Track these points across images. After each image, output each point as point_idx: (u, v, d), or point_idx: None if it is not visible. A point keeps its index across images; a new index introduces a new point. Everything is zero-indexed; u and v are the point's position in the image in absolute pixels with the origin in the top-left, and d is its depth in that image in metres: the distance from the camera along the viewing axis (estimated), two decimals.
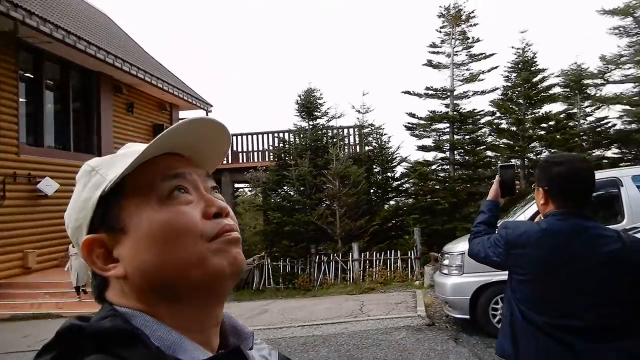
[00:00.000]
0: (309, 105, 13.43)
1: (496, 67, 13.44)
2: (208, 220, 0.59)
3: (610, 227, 1.82)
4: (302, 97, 13.52)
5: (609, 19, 14.16)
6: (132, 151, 0.62)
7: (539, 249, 1.75)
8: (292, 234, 12.01)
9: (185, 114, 14.71)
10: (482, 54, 13.43)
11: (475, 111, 13.21)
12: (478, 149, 13.16)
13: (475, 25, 13.64)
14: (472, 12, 13.57)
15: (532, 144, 12.84)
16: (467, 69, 13.68)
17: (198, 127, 0.63)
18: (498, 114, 13.26)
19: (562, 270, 1.69)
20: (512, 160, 12.60)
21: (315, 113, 13.62)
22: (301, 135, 13.62)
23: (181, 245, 0.57)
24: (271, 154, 14.86)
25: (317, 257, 11.26)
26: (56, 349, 0.51)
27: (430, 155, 13.50)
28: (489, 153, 13.41)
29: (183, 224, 0.57)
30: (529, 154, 12.83)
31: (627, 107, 13.20)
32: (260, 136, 15.99)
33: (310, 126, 13.67)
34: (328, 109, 13.76)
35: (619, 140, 13.17)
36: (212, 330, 0.61)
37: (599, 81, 14.23)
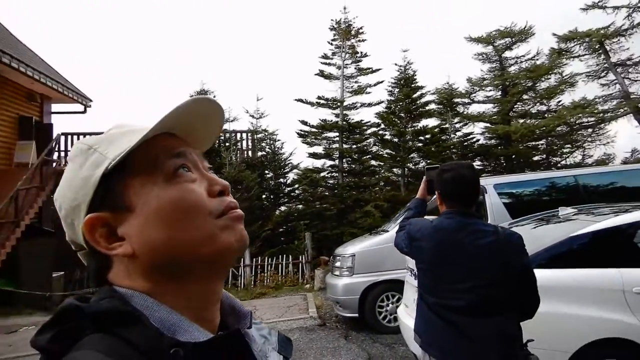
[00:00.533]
0: None
1: (382, 82, 14.45)
2: (213, 197, 0.60)
3: (488, 222, 2.16)
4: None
5: (475, 46, 16.06)
6: (130, 130, 0.61)
7: (430, 242, 2.11)
8: None
9: (61, 107, 13.30)
10: (369, 68, 14.35)
11: (363, 122, 14.06)
12: (364, 157, 14.00)
13: (363, 40, 14.56)
14: (361, 28, 14.46)
15: (412, 155, 14.02)
16: (356, 82, 14.52)
17: (197, 107, 0.63)
18: (383, 126, 14.23)
19: (449, 259, 2.03)
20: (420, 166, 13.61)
21: None
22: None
23: (191, 222, 0.57)
24: None
25: None
26: (56, 327, 0.50)
27: (320, 163, 14.01)
28: (373, 162, 14.35)
29: (192, 201, 0.58)
30: (408, 164, 13.98)
31: (488, 125, 15.13)
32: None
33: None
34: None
35: (481, 154, 15.00)
36: (214, 307, 0.62)
37: (466, 100, 16.09)
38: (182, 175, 0.60)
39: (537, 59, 15.32)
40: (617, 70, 12.80)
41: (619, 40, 12.69)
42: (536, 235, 3.79)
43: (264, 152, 14.11)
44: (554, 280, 3.13)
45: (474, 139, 15.14)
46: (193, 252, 0.57)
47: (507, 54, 15.86)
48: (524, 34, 15.22)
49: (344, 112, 14.12)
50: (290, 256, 11.00)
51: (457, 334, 1.95)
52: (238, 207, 0.63)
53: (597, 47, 12.91)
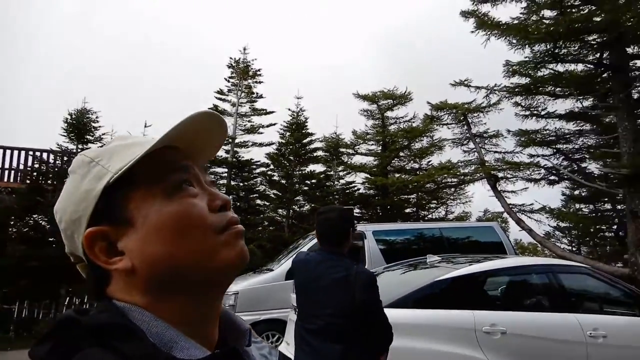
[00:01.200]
0: (80, 126, 12.13)
1: (274, 124, 14.91)
2: (214, 213, 0.60)
3: (348, 261, 2.43)
4: (73, 116, 12.14)
5: (362, 103, 17.46)
6: (133, 143, 0.61)
7: (299, 272, 2.49)
8: (38, 270, 10.25)
9: None
10: (263, 109, 14.74)
11: (253, 161, 14.21)
12: (251, 196, 14.06)
13: (260, 82, 14.98)
14: (259, 70, 14.89)
15: (297, 197, 14.45)
16: (249, 121, 14.77)
17: (201, 120, 0.62)
18: (272, 167, 14.52)
19: (310, 288, 2.37)
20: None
21: (88, 136, 12.36)
22: (65, 158, 12.07)
23: (193, 237, 0.57)
24: (21, 174, 12.59)
25: (68, 299, 9.86)
26: (53, 340, 0.50)
27: None
28: (259, 201, 14.47)
29: (194, 216, 0.58)
30: (294, 206, 14.36)
31: (368, 176, 16.32)
32: (6, 152, 13.39)
33: (79, 149, 12.27)
34: (104, 133, 12.69)
35: (361, 202, 16.03)
36: (212, 324, 0.61)
37: (350, 151, 17.22)
38: (184, 189, 0.59)
39: (414, 122, 17.16)
40: (476, 140, 14.89)
41: (478, 115, 14.86)
42: (406, 279, 4.22)
43: None
44: (419, 319, 3.50)
45: (355, 188, 16.18)
46: (194, 268, 0.57)
47: (389, 113, 17.50)
48: (403, 98, 17.00)
49: (235, 149, 14.17)
50: None
51: (313, 354, 2.22)
52: (239, 223, 0.62)
53: (461, 118, 14.95)
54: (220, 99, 14.52)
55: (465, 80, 13.78)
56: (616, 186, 11.93)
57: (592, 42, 11.46)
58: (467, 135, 14.73)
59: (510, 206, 13.39)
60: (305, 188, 14.51)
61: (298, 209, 14.54)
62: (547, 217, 15.28)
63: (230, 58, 14.77)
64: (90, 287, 0.60)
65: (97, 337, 0.50)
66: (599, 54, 11.47)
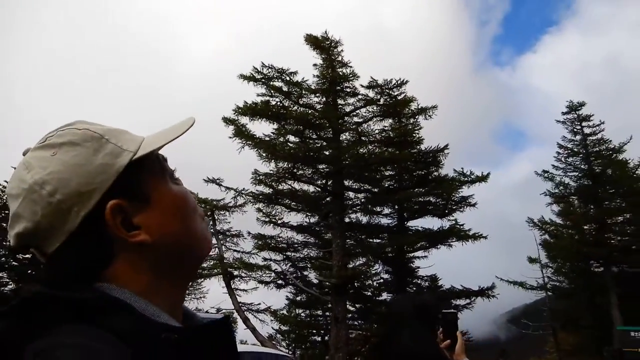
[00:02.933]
0: None
1: None
2: None
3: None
4: None
5: None
6: (119, 129, 0.63)
7: None
8: None
9: None
10: None
11: None
12: None
13: None
14: None
15: None
16: None
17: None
18: None
19: None
20: None
21: None
22: None
23: (196, 220, 0.65)
24: None
25: None
26: (14, 315, 0.48)
27: None
28: None
29: (193, 203, 0.65)
30: None
31: None
32: None
33: None
34: None
35: None
36: (180, 309, 0.64)
37: None
38: (178, 179, 0.66)
39: None
40: (219, 236, 15.44)
41: (225, 213, 15.66)
42: None
43: None
44: None
45: None
46: (198, 246, 0.64)
47: None
48: None
49: None
50: None
51: None
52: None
53: (209, 213, 15.45)
54: None
55: (217, 179, 14.58)
56: (327, 294, 13.93)
57: (321, 170, 13.94)
58: (211, 230, 15.18)
59: (240, 304, 13.94)
60: None
61: None
62: (272, 320, 16.42)
63: None
64: (67, 269, 0.56)
65: (78, 314, 0.48)
66: (325, 180, 13.99)
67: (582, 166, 20.54)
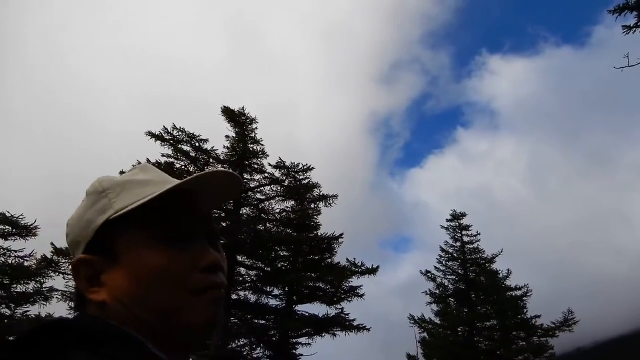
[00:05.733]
0: None
1: None
2: (198, 272, 0.61)
3: None
4: None
5: None
6: (148, 180, 0.64)
7: None
8: None
9: None
10: None
11: None
12: None
13: None
14: None
15: None
16: None
17: (214, 178, 0.66)
18: None
19: None
20: None
21: None
22: None
23: (164, 292, 0.59)
24: None
25: None
26: (37, 342, 0.51)
27: None
28: None
29: (172, 273, 0.59)
30: None
31: None
32: None
33: None
34: None
35: None
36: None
37: None
38: (173, 243, 0.61)
39: (28, 260, 14.84)
40: None
41: None
42: None
43: None
44: None
45: None
46: (158, 321, 0.59)
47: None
48: (25, 229, 14.87)
49: None
50: None
51: None
52: (222, 287, 0.63)
53: None
54: None
55: None
56: None
57: None
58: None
59: None
60: None
61: None
62: None
63: None
64: (74, 296, 0.66)
65: (88, 344, 0.51)
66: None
67: (460, 271, 22.33)
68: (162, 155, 13.95)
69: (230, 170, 0.71)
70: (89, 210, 0.64)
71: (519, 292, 21.71)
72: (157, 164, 13.44)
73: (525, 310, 21.67)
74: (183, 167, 14.07)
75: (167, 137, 14.07)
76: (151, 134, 13.85)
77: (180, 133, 14.18)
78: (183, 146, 14.25)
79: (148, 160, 13.30)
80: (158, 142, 13.96)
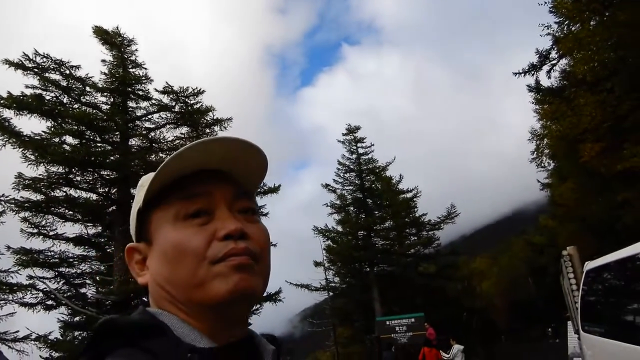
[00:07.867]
0: None
1: None
2: (218, 241, 0.60)
3: None
4: None
5: None
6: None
7: None
8: None
9: None
10: None
11: None
12: None
13: None
14: None
15: None
16: None
17: (217, 147, 0.63)
18: None
19: None
20: None
21: None
22: None
23: (185, 266, 0.60)
24: None
25: None
26: (94, 345, 0.56)
27: None
28: None
29: (189, 246, 0.60)
30: None
31: None
32: None
33: None
34: None
35: None
36: (224, 329, 0.62)
37: None
38: (191, 218, 0.62)
39: None
40: None
41: None
42: None
43: None
44: None
45: None
46: (187, 295, 0.60)
47: None
48: None
49: None
50: None
51: None
52: (243, 253, 0.60)
53: None
54: None
55: None
56: (107, 312, 12.72)
57: (105, 176, 12.76)
58: None
59: None
60: None
61: None
62: (40, 347, 14.09)
63: None
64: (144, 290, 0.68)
65: (128, 337, 0.55)
66: (109, 188, 12.84)
67: (357, 181, 23.75)
68: (27, 86, 12.27)
69: (239, 137, 0.65)
70: (134, 205, 0.70)
71: (409, 195, 23.90)
72: (22, 97, 11.87)
73: (415, 209, 24.09)
74: (54, 98, 12.61)
75: (30, 65, 12.32)
76: (9, 62, 12.02)
77: (45, 60, 12.48)
78: (51, 75, 12.64)
79: (9, 93, 11.68)
80: (19, 71, 12.20)
